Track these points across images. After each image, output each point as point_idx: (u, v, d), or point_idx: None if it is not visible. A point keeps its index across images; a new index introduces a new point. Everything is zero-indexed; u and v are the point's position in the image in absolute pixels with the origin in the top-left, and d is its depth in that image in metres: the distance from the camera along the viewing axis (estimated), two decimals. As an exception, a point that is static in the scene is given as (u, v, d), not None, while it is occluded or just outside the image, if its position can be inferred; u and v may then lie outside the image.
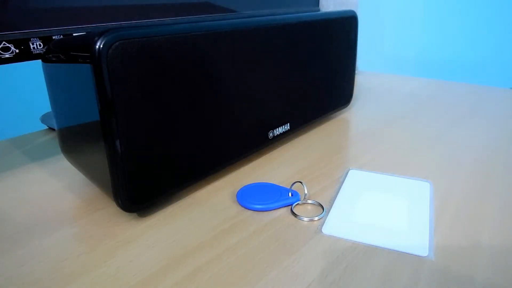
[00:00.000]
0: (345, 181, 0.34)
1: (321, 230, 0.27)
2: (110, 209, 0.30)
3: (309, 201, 0.31)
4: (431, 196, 0.31)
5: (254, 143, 0.37)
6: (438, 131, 0.46)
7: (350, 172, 0.36)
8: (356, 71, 0.54)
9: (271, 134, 0.39)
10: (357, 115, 0.53)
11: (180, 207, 0.30)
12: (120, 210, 0.28)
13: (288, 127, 0.41)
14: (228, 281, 0.23)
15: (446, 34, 1.25)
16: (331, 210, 0.29)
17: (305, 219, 0.28)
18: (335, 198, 0.31)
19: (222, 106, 0.32)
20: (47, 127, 0.48)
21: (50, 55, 0.30)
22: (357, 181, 0.34)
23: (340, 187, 0.33)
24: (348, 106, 0.54)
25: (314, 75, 0.43)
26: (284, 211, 0.30)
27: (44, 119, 0.49)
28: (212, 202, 0.31)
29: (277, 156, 0.40)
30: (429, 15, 1.26)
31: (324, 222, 0.28)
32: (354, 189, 0.33)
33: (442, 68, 1.28)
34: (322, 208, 0.30)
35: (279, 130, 0.40)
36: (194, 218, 0.29)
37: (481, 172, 0.36)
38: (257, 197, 0.31)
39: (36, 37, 0.36)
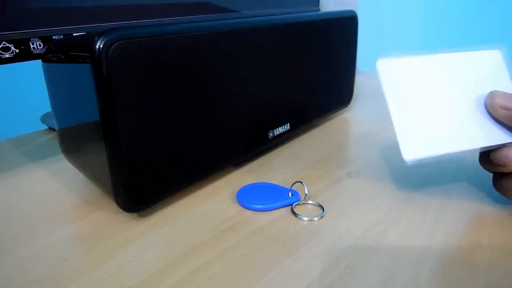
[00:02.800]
0: (383, 82, 0.25)
1: (403, 159, 0.23)
2: (110, 209, 0.30)
3: (309, 201, 0.31)
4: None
5: (254, 143, 0.37)
6: (438, 131, 0.46)
7: (380, 64, 0.26)
8: (356, 71, 0.54)
9: (271, 134, 0.39)
10: (357, 115, 0.53)
11: (180, 207, 0.30)
12: (120, 210, 0.28)
13: (288, 127, 0.41)
14: (228, 281, 0.23)
15: (446, 34, 1.25)
16: (396, 129, 0.23)
17: (305, 219, 0.28)
18: (389, 107, 0.24)
19: (222, 106, 0.32)
20: (47, 127, 0.48)
21: (50, 55, 0.30)
22: (399, 78, 0.25)
23: (382, 93, 0.25)
24: (348, 106, 0.54)
25: (314, 75, 0.43)
26: (284, 211, 0.30)
27: (44, 119, 0.49)
28: (212, 202, 0.31)
29: (277, 156, 0.40)
30: (429, 15, 1.26)
31: (402, 147, 0.23)
32: (405, 89, 0.24)
33: (442, 68, 1.28)
34: (322, 208, 0.30)
35: (279, 130, 0.40)
36: (194, 218, 0.29)
37: (481, 171, 0.35)
38: (257, 197, 0.31)
39: (36, 37, 0.36)
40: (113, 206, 0.29)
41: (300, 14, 0.40)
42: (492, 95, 0.25)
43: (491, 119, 0.25)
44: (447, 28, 1.24)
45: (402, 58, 0.26)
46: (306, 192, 0.31)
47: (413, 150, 0.23)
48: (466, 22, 1.20)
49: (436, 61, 0.26)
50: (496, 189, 0.29)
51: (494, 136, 0.23)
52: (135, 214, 0.29)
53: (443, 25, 1.25)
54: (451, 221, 0.28)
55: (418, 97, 0.25)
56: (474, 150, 0.24)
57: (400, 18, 1.29)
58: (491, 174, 0.30)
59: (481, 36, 1.18)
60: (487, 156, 0.27)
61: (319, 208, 0.30)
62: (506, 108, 0.24)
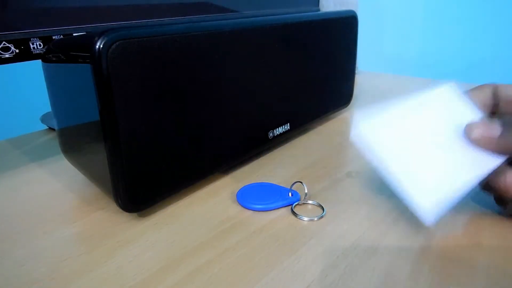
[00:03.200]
0: (373, 150, 0.25)
1: (425, 224, 0.24)
2: (110, 209, 0.30)
3: (309, 201, 0.31)
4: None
5: (254, 143, 0.37)
6: (438, 131, 0.46)
7: (363, 129, 0.26)
8: (356, 71, 0.54)
9: (271, 134, 0.39)
10: (357, 115, 0.53)
11: (180, 207, 0.30)
12: (120, 210, 0.28)
13: (288, 127, 0.41)
14: (228, 281, 0.23)
15: (447, 34, 1.25)
16: (407, 196, 0.24)
17: (305, 219, 0.28)
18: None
19: (221, 106, 0.32)
20: (47, 127, 0.48)
21: (50, 55, 0.30)
22: (384, 140, 0.26)
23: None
24: (348, 106, 0.54)
25: (314, 75, 0.43)
26: (284, 211, 0.30)
27: (44, 119, 0.49)
28: (212, 202, 0.31)
29: (277, 156, 0.40)
30: (429, 15, 1.26)
31: (421, 213, 0.24)
32: (394, 149, 0.25)
33: (442, 68, 1.28)
34: (322, 208, 0.30)
35: (279, 130, 0.40)
36: (194, 218, 0.29)
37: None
38: (257, 197, 0.31)
39: (36, 37, 0.36)
40: (113, 206, 0.29)
41: (300, 14, 0.40)
42: (469, 128, 0.25)
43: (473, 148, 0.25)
44: (447, 28, 1.24)
45: (375, 118, 0.26)
46: (306, 192, 0.31)
47: (431, 212, 0.24)
48: (466, 22, 1.21)
49: (405, 110, 0.26)
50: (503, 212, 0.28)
51: (485, 162, 0.24)
52: (135, 214, 0.29)
53: (443, 25, 1.25)
54: (451, 221, 0.28)
55: (406, 150, 0.25)
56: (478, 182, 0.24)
57: (400, 18, 1.29)
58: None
59: (481, 36, 1.18)
60: (486, 182, 0.26)
61: (319, 208, 0.30)
62: (487, 137, 0.24)
